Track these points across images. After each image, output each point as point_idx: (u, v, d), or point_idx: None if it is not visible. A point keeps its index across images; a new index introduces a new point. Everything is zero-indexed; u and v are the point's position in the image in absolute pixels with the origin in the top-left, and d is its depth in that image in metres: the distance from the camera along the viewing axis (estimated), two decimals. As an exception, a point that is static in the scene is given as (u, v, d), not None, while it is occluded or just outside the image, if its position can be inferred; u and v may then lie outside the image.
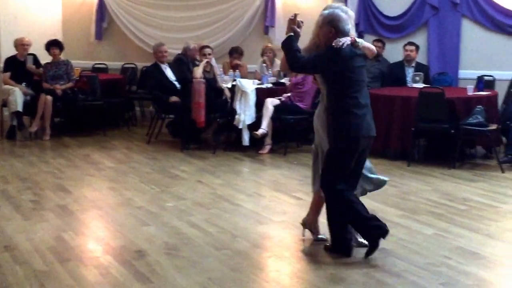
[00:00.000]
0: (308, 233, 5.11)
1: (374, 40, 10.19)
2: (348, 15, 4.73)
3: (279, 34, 11.07)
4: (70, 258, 4.72)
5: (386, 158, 8.26)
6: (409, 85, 9.26)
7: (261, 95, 8.83)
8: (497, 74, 9.28)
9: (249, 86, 8.80)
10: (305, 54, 4.67)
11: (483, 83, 8.42)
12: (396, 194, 6.54)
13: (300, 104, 8.66)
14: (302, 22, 4.71)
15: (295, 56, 4.62)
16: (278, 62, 10.09)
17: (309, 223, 5.09)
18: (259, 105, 8.70)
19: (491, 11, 9.84)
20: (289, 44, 4.64)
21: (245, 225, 5.53)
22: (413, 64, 9.56)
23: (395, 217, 5.74)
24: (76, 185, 6.95)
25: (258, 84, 9.15)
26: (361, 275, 4.38)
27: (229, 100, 8.94)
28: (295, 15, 4.70)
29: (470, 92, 8.10)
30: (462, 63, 10.09)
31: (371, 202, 6.19)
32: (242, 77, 9.51)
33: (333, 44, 4.54)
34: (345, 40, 4.54)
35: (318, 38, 4.72)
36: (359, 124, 4.61)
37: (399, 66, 9.68)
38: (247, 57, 10.42)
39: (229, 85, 9.04)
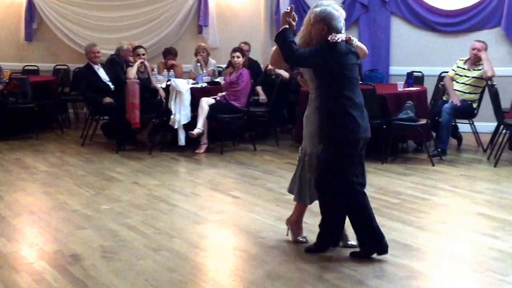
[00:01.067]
0: (291, 233, 5.07)
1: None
2: (340, 13, 4.57)
3: (213, 33, 11.12)
4: (2, 265, 4.62)
5: (321, 154, 8.36)
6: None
7: (196, 94, 8.82)
8: (426, 70, 9.55)
9: (184, 86, 8.78)
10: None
11: (412, 79, 8.63)
12: (331, 190, 6.64)
13: (235, 103, 8.69)
14: (296, 15, 4.62)
15: (291, 47, 4.48)
16: (212, 61, 10.13)
17: (292, 223, 5.04)
18: (195, 105, 8.69)
19: (419, 9, 10.13)
20: (284, 36, 4.50)
21: (182, 226, 5.52)
22: (345, 62, 9.69)
23: (330, 212, 5.82)
24: (7, 190, 6.79)
25: (193, 84, 9.13)
26: (298, 271, 4.43)
27: (164, 100, 8.90)
28: (291, 8, 4.58)
29: (400, 88, 8.30)
30: (392, 60, 10.35)
31: (306, 198, 6.30)
32: (176, 77, 9.49)
33: (329, 38, 4.43)
34: (341, 36, 4.45)
35: (310, 36, 4.59)
36: (356, 125, 4.48)
37: (332, 64, 9.79)
38: (181, 56, 10.39)
39: (164, 85, 8.99)
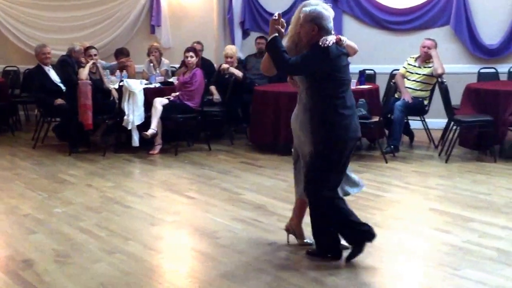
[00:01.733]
0: (292, 238, 4.96)
1: (258, 37, 10.38)
2: (329, 13, 4.49)
3: (166, 33, 11.06)
4: (-47, 272, 4.51)
5: (276, 153, 8.41)
6: (295, 81, 9.42)
7: (150, 95, 8.76)
8: (378, 68, 9.67)
9: (137, 86, 8.70)
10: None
11: (364, 77, 8.73)
12: (286, 188, 6.66)
13: (189, 103, 8.66)
14: (285, 22, 4.51)
15: (282, 57, 4.36)
16: (166, 61, 10.07)
17: (293, 227, 4.94)
18: (148, 105, 8.63)
19: (370, 7, 10.25)
20: (275, 45, 4.38)
21: (137, 227, 5.47)
22: (299, 60, 9.73)
23: (285, 210, 5.84)
24: (-43, 195, 6.64)
25: (146, 84, 9.07)
26: (254, 271, 4.43)
27: (116, 101, 8.80)
28: (279, 15, 4.45)
29: (353, 86, 8.35)
30: (344, 58, 10.40)
31: (261, 197, 6.32)
32: (129, 77, 9.40)
33: (320, 43, 4.34)
34: (331, 39, 4.37)
35: (298, 36, 4.49)
36: (347, 125, 4.44)
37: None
38: (134, 57, 10.31)
39: (116, 86, 8.91)
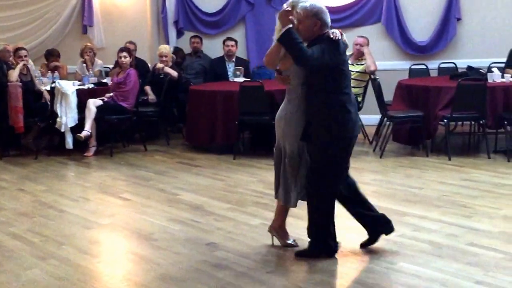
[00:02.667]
0: (276, 240, 4.86)
1: (192, 37, 10.34)
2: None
3: (98, 33, 10.87)
4: None
5: (213, 152, 8.38)
6: (230, 79, 9.44)
7: (83, 96, 8.61)
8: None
9: (69, 87, 8.54)
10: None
11: (300, 75, 8.76)
12: (223, 188, 6.66)
13: (123, 104, 8.54)
14: (297, 12, 4.32)
15: (302, 48, 4.18)
16: (99, 61, 9.92)
17: (276, 229, 4.82)
18: (82, 107, 8.47)
19: (303, 6, 10.30)
20: (292, 37, 4.18)
21: (71, 232, 5.36)
22: (234, 59, 9.75)
23: (222, 210, 5.84)
24: None
25: (79, 85, 8.90)
26: (191, 271, 4.40)
27: (49, 103, 8.62)
28: (293, 6, 4.29)
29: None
30: (279, 56, 10.46)
31: (199, 197, 6.29)
32: (61, 78, 9.21)
33: (331, 36, 4.27)
34: (337, 32, 4.31)
35: (298, 31, 4.28)
36: (354, 121, 4.41)
37: (220, 62, 9.84)
38: (66, 57, 10.12)
39: (48, 87, 8.71)
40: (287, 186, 4.62)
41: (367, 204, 4.74)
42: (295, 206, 4.71)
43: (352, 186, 4.70)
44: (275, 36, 4.44)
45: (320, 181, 4.45)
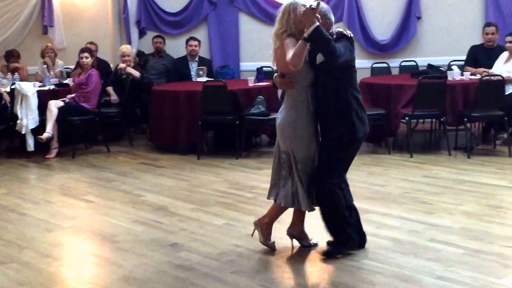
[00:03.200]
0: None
1: (155, 36, 10.28)
2: None
3: (59, 33, 10.74)
4: None
5: (176, 153, 8.35)
6: (193, 79, 9.41)
7: (44, 97, 8.50)
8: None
9: (30, 89, 8.43)
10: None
11: (262, 74, 8.79)
12: (187, 188, 6.64)
13: (85, 105, 8.45)
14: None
15: (334, 45, 4.11)
16: (60, 62, 9.81)
17: (263, 225, 4.71)
18: (43, 108, 8.36)
19: (265, 5, 10.36)
20: (322, 34, 4.07)
21: (32, 235, 5.29)
22: (197, 59, 9.72)
23: (186, 210, 5.82)
24: None
25: (40, 86, 8.79)
26: (155, 273, 4.37)
27: (9, 105, 8.49)
28: (318, 3, 4.13)
29: (251, 83, 8.43)
30: (242, 56, 10.52)
31: (162, 198, 6.27)
32: (21, 80, 9.08)
33: (346, 33, 4.28)
34: (347, 30, 4.36)
35: (299, 33, 4.20)
36: (365, 121, 4.44)
37: (183, 61, 9.80)
38: (26, 58, 9.97)
39: (8, 89, 8.58)
40: (306, 192, 4.49)
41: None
42: (313, 209, 4.61)
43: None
44: (274, 39, 4.37)
45: (328, 177, 4.42)
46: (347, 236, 4.58)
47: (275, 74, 4.52)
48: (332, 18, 4.41)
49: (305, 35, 4.10)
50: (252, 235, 4.79)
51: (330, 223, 4.56)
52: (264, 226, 4.72)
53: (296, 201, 4.51)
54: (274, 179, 4.62)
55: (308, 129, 4.43)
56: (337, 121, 4.37)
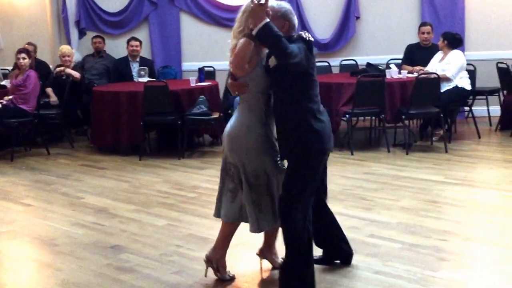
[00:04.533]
0: (210, 271, 4.24)
1: (94, 37, 10.17)
2: None
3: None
4: None
5: (118, 154, 8.28)
6: (135, 80, 9.34)
7: (-20, 99, 8.30)
8: (217, 64, 9.73)
9: (-35, 91, 8.22)
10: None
11: (204, 74, 8.78)
12: (128, 189, 6.59)
13: (24, 107, 8.28)
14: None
15: (285, 42, 3.64)
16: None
17: (217, 259, 4.20)
18: (-21, 111, 8.18)
19: (206, 5, 10.37)
20: (273, 31, 3.65)
21: (-32, 241, 5.18)
22: (138, 59, 9.64)
23: (127, 212, 5.78)
24: None
25: (-24, 88, 8.59)
26: (95, 276, 4.33)
27: None
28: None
29: (193, 84, 8.42)
30: (184, 56, 10.51)
31: (103, 199, 6.21)
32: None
33: (304, 36, 3.83)
34: (306, 33, 3.89)
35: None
36: (323, 134, 3.86)
37: (124, 62, 9.71)
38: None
39: None
40: (255, 210, 4.00)
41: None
42: (261, 231, 4.15)
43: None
44: (231, 38, 3.98)
45: (290, 202, 3.84)
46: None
47: (227, 76, 4.15)
48: (295, 20, 3.96)
49: (252, 32, 3.74)
50: (206, 274, 4.23)
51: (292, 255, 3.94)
52: (218, 259, 4.21)
53: (218, 210, 4.16)
54: (219, 193, 4.20)
55: (259, 139, 3.98)
56: (289, 134, 3.90)
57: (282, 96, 3.91)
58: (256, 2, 3.70)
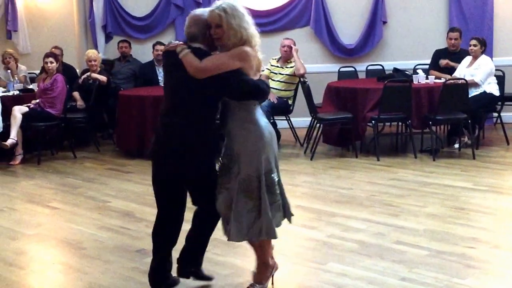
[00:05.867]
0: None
1: (120, 41, 10.22)
2: None
3: (23, 38, 10.65)
4: None
5: (144, 158, 8.29)
6: (161, 84, 9.35)
7: (8, 103, 8.38)
8: (243, 69, 9.75)
9: (-7, 94, 8.32)
10: None
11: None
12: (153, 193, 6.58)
13: (51, 110, 8.36)
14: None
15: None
16: (22, 67, 9.69)
17: (262, 276, 4.11)
18: (7, 114, 8.24)
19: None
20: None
21: (-4, 243, 5.22)
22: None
23: (153, 216, 5.62)
24: None
25: (4, 92, 8.68)
26: (121, 279, 4.35)
27: (-29, 111, 8.36)
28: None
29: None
30: (209, 60, 10.47)
31: (129, 203, 6.21)
32: (-14, 86, 8.98)
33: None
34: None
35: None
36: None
37: (150, 66, 9.77)
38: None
39: (-29, 95, 8.47)
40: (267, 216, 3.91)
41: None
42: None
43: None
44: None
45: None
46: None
47: None
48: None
49: None
50: None
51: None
52: (263, 276, 4.11)
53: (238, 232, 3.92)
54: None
55: (251, 144, 3.86)
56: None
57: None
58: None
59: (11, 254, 4.97)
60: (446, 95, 7.60)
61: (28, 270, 4.68)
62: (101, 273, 4.48)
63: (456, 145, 8.13)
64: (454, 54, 8.75)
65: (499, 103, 8.62)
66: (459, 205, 5.86)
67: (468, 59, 8.33)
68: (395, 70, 8.81)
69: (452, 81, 7.80)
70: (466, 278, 4.19)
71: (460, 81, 7.75)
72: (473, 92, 8.02)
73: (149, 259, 4.62)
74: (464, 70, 8.22)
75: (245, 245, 4.81)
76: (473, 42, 8.25)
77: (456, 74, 8.24)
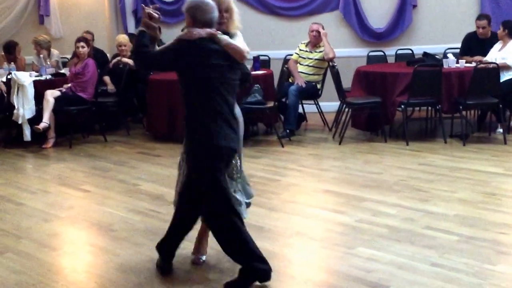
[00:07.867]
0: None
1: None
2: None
3: (56, 23, 10.75)
4: None
5: (173, 142, 8.35)
6: (190, 68, 9.37)
7: (40, 87, 8.49)
8: (272, 53, 9.76)
9: (26, 78, 8.42)
10: None
11: (259, 62, 8.78)
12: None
13: (82, 95, 8.45)
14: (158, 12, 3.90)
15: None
16: (55, 52, 9.78)
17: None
18: (39, 98, 8.36)
19: (261, -6, 10.34)
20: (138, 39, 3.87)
21: (29, 225, 5.31)
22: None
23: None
24: None
25: (36, 76, 8.78)
26: (151, 262, 4.38)
27: (5, 95, 8.48)
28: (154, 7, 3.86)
29: (247, 72, 8.41)
30: (239, 45, 10.47)
31: (159, 187, 6.26)
32: (18, 69, 9.08)
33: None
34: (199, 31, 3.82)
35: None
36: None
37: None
38: (22, 48, 9.94)
39: (4, 79, 8.58)
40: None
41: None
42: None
43: None
44: None
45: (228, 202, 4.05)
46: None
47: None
48: (203, 16, 3.85)
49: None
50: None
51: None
52: None
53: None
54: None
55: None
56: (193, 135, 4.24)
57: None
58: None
59: (44, 235, 5.06)
60: (477, 79, 7.52)
61: (60, 252, 4.77)
62: (132, 255, 4.54)
63: (500, 130, 7.99)
64: (485, 39, 8.62)
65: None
66: (490, 190, 5.81)
67: (500, 43, 8.22)
68: (425, 54, 8.72)
69: (483, 65, 7.71)
70: (497, 264, 4.16)
71: (491, 65, 7.66)
72: (504, 76, 7.91)
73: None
74: (496, 54, 8.11)
75: (274, 229, 4.86)
76: (501, 26, 8.15)
77: (488, 58, 8.13)
